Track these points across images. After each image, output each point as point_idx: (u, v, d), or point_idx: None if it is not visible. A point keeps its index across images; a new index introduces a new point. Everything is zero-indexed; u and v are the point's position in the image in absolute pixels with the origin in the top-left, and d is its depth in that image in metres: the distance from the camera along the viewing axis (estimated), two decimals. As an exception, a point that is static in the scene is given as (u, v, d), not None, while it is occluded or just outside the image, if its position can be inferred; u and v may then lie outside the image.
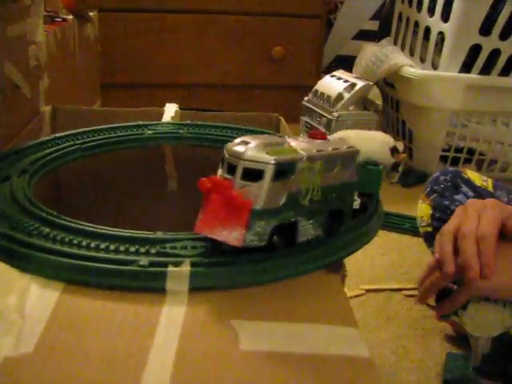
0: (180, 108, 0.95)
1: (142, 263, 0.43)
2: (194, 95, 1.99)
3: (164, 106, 0.94)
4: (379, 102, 1.47)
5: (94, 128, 0.79)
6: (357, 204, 0.54)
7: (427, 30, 1.58)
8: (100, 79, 1.63)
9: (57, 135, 0.76)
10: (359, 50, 1.83)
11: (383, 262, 1.16)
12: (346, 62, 2.04)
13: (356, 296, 1.02)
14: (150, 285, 0.43)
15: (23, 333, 0.38)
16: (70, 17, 1.26)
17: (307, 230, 0.48)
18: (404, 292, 1.06)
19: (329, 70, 2.24)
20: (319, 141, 0.49)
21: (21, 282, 0.43)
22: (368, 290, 1.04)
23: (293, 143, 0.47)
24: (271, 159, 0.43)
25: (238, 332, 0.39)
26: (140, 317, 0.40)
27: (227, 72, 1.98)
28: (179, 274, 0.43)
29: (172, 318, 0.40)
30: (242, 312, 0.42)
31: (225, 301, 0.43)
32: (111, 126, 0.80)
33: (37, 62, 0.91)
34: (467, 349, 0.82)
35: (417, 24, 1.63)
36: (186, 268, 0.43)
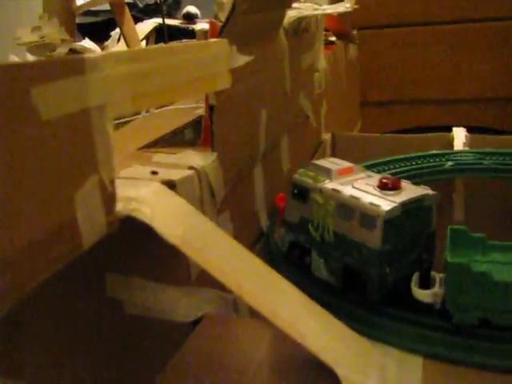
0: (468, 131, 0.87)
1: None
2: (450, 111, 1.88)
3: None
4: None
5: (387, 159, 0.74)
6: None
7: None
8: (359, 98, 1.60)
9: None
10: None
11: None
12: None
13: None
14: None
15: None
16: (335, 38, 1.23)
17: (319, 266, 0.45)
18: None
19: None
20: (385, 190, 0.42)
21: (376, 354, 0.38)
22: None
23: (347, 178, 0.45)
24: (294, 177, 0.47)
25: None
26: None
27: (484, 85, 1.84)
28: None
29: None
30: None
31: None
32: (405, 156, 0.74)
33: (319, 90, 0.88)
34: None
35: None
36: None
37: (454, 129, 0.89)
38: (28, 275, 0.26)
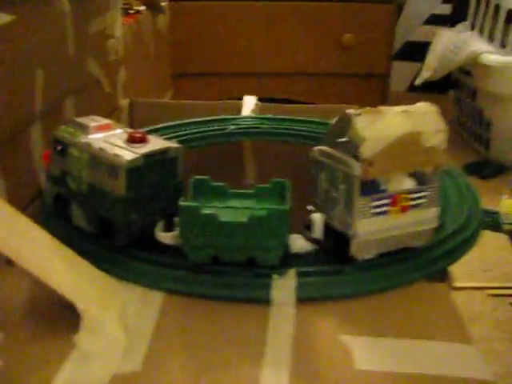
0: (259, 99, 0.93)
1: (244, 277, 0.42)
2: (263, 84, 1.96)
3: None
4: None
5: (177, 123, 0.78)
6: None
7: (509, 14, 1.50)
8: (171, 69, 1.63)
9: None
10: (431, 36, 1.76)
11: (463, 259, 1.11)
12: (415, 49, 1.98)
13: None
14: (254, 295, 0.41)
15: (128, 349, 0.36)
16: (143, 8, 1.24)
17: (78, 216, 0.48)
18: (488, 291, 1.01)
19: (398, 56, 2.18)
20: (133, 143, 0.46)
21: (120, 291, 0.42)
22: (451, 288, 1.00)
23: (103, 134, 0.48)
24: (55, 133, 0.50)
25: (351, 350, 0.37)
26: (248, 330, 0.38)
27: (296, 61, 1.95)
28: (285, 285, 0.41)
29: (280, 331, 0.38)
30: (351, 326, 0.39)
31: (333, 313, 0.41)
32: (193, 120, 0.79)
33: (115, 56, 0.90)
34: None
35: (498, 7, 1.55)
36: (291, 278, 0.41)
37: (246, 97, 0.94)
38: None
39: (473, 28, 1.70)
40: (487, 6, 1.60)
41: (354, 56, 1.93)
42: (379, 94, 1.97)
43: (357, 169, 0.41)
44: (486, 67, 1.46)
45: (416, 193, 0.44)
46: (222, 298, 0.42)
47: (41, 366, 0.35)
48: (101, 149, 0.44)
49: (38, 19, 0.58)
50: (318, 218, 0.45)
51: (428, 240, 0.46)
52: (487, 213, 1.25)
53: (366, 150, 0.40)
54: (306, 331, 0.39)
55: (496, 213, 1.11)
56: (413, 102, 1.80)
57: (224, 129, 0.78)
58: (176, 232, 0.43)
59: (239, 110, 0.90)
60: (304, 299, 0.41)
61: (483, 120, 1.57)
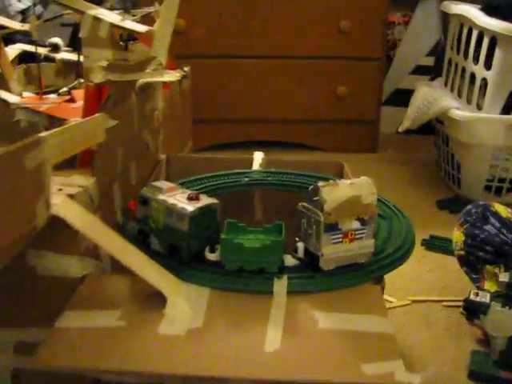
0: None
1: (257, 279, 0.72)
2: (268, 129, 2.26)
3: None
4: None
5: (205, 175, 1.07)
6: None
7: (472, 76, 1.80)
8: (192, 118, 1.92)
9: (179, 182, 1.04)
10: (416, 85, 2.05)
11: (428, 278, 1.40)
12: (404, 96, 2.26)
13: (404, 305, 1.27)
14: (264, 289, 0.71)
15: (193, 317, 0.66)
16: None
17: (155, 243, 0.78)
18: (444, 303, 1.30)
19: (388, 102, 2.48)
20: (191, 200, 0.76)
21: (184, 287, 0.72)
22: (414, 301, 1.29)
23: (171, 193, 0.78)
24: (141, 191, 0.80)
25: (317, 318, 0.67)
26: (260, 307, 0.68)
27: (297, 109, 2.24)
28: (280, 284, 0.71)
29: (278, 309, 0.68)
30: (319, 306, 0.69)
31: (308, 300, 0.70)
32: (216, 173, 1.08)
33: (158, 123, 1.20)
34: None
35: (464, 69, 1.85)
36: (284, 280, 0.72)
37: (256, 153, 1.22)
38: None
39: (446, 84, 2.01)
40: (456, 68, 1.91)
41: (348, 105, 2.23)
42: (370, 137, 2.27)
43: (322, 217, 0.71)
44: (454, 120, 1.76)
45: (359, 230, 0.74)
46: (245, 291, 0.71)
47: (148, 325, 0.65)
48: (173, 204, 0.75)
49: (120, 113, 0.89)
50: (301, 245, 0.75)
51: (368, 259, 0.76)
52: (448, 241, 1.53)
53: (327, 207, 0.71)
54: (292, 309, 0.69)
55: (451, 241, 1.39)
56: (401, 143, 2.20)
57: (239, 180, 1.07)
58: (217, 253, 0.73)
59: (251, 163, 1.19)
60: (291, 292, 0.71)
61: (455, 162, 1.87)
